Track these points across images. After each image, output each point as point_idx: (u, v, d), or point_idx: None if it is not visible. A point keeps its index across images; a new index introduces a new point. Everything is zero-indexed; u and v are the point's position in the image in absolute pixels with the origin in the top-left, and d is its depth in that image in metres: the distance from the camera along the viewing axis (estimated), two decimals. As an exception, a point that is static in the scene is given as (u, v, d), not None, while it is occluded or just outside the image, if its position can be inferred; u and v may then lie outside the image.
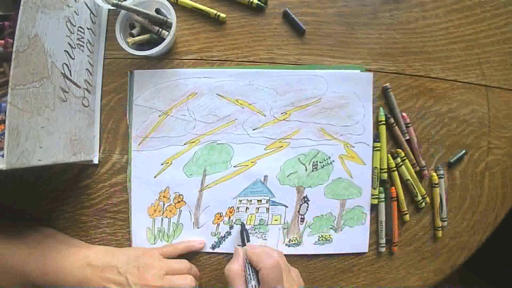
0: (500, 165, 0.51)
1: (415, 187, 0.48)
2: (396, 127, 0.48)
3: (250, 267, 0.40)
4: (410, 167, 0.48)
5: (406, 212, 0.48)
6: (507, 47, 0.51)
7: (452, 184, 0.50)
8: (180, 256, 0.46)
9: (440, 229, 0.49)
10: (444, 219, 0.49)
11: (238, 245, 0.44)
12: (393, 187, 0.48)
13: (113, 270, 0.40)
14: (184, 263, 0.44)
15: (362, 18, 0.48)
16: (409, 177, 0.48)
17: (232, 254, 0.47)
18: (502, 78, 0.51)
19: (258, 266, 0.39)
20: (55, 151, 0.38)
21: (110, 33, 0.48)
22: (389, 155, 0.48)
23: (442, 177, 0.49)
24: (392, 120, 0.47)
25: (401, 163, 0.48)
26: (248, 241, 0.45)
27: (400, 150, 0.48)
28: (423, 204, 0.48)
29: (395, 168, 0.48)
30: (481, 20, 0.50)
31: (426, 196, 0.49)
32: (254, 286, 0.38)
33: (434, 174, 0.49)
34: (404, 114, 0.48)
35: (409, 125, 0.48)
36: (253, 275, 0.39)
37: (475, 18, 0.50)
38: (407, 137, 0.48)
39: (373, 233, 0.48)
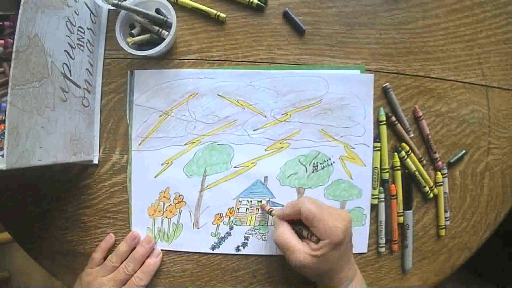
0: (500, 165, 0.51)
1: (423, 177, 0.48)
2: (399, 125, 0.47)
3: (295, 224, 0.40)
4: (416, 160, 0.48)
5: (402, 214, 0.48)
6: (507, 47, 0.51)
7: (452, 184, 0.50)
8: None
9: (443, 228, 0.49)
10: (447, 218, 0.49)
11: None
12: (393, 185, 0.48)
13: None
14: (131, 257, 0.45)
15: (362, 18, 0.48)
16: (415, 169, 0.48)
17: (231, 254, 0.47)
18: (502, 78, 0.51)
19: (295, 212, 0.39)
20: (55, 151, 0.37)
21: (110, 33, 0.48)
22: (395, 153, 0.48)
23: (446, 176, 0.49)
24: (393, 118, 0.47)
25: (406, 156, 0.48)
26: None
27: (404, 144, 0.48)
28: (431, 195, 0.48)
29: (399, 167, 0.48)
30: (481, 20, 0.50)
31: (433, 187, 0.49)
32: (308, 233, 0.39)
33: (439, 173, 0.49)
34: (416, 107, 0.48)
35: (421, 118, 0.48)
36: (301, 228, 0.40)
37: (475, 18, 0.50)
38: (411, 135, 0.48)
39: (373, 233, 0.48)
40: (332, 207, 0.40)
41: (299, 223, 0.40)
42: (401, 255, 0.49)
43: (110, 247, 0.47)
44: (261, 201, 0.47)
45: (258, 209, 0.47)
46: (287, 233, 0.39)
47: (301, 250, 0.37)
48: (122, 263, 0.45)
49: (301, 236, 0.40)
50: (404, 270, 0.49)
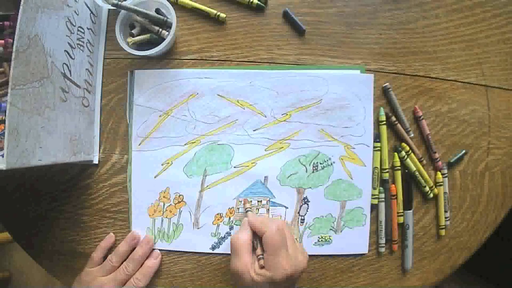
0: (500, 165, 0.51)
1: (423, 177, 0.48)
2: (399, 125, 0.47)
3: (255, 236, 0.40)
4: (416, 160, 0.48)
5: (402, 214, 0.48)
6: (507, 47, 0.51)
7: (452, 184, 0.50)
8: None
9: (443, 228, 0.49)
10: (447, 218, 0.49)
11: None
12: (393, 184, 0.48)
13: None
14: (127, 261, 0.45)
15: (362, 18, 0.48)
16: (415, 169, 0.48)
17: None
18: (502, 78, 0.51)
19: (262, 231, 0.39)
20: (55, 151, 0.37)
21: (110, 33, 0.48)
22: (395, 153, 0.48)
23: (446, 176, 0.49)
24: (394, 118, 0.47)
25: (406, 156, 0.48)
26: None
27: (404, 144, 0.48)
28: (431, 194, 0.48)
29: (399, 167, 0.48)
30: (481, 20, 0.50)
31: (433, 187, 0.49)
32: (259, 255, 0.39)
33: (439, 173, 0.49)
34: (416, 106, 0.48)
35: (421, 118, 0.48)
36: (258, 243, 0.40)
37: (475, 18, 0.50)
38: (411, 135, 0.48)
39: (373, 233, 0.48)
40: (296, 248, 0.40)
41: (259, 239, 0.40)
42: (401, 255, 0.49)
43: (110, 247, 0.47)
44: (261, 201, 0.47)
45: (258, 209, 0.47)
46: (244, 241, 0.39)
47: (245, 262, 0.38)
48: (121, 263, 0.45)
49: (254, 250, 0.40)
50: (404, 270, 0.49)
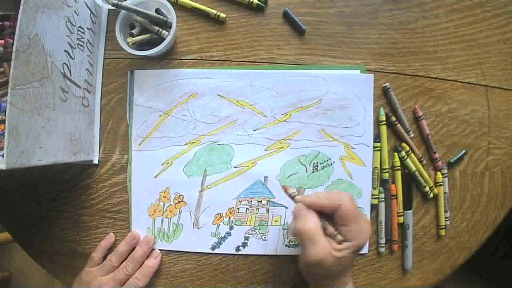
0: (500, 165, 0.51)
1: (423, 177, 0.48)
2: (399, 125, 0.47)
3: (321, 217, 0.37)
4: (416, 160, 0.48)
5: (402, 214, 0.48)
6: (507, 47, 0.51)
7: (452, 184, 0.50)
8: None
9: (443, 228, 0.49)
10: (447, 218, 0.49)
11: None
12: (393, 184, 0.48)
13: None
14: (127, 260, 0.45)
15: (362, 18, 0.48)
16: (415, 169, 0.48)
17: (231, 254, 0.47)
18: (502, 78, 0.51)
19: (334, 206, 0.36)
20: (55, 151, 0.37)
21: (110, 33, 0.48)
22: (395, 153, 0.48)
23: (446, 176, 0.49)
24: (393, 118, 0.47)
25: (406, 156, 0.48)
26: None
27: (404, 144, 0.48)
28: (431, 194, 0.48)
29: (399, 167, 0.48)
30: (481, 20, 0.50)
31: (433, 187, 0.49)
32: (333, 233, 0.36)
33: (439, 173, 0.49)
34: (416, 106, 0.48)
35: (422, 118, 0.48)
36: (325, 222, 0.37)
37: (475, 18, 0.50)
38: (411, 135, 0.48)
39: (373, 233, 0.48)
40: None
41: (324, 217, 0.37)
42: (401, 255, 0.49)
43: (110, 246, 0.47)
44: (261, 201, 0.47)
45: (258, 209, 0.47)
46: (315, 225, 0.36)
47: (324, 247, 0.35)
48: (121, 263, 0.45)
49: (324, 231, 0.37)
50: (404, 270, 0.49)
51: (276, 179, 0.47)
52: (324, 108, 0.47)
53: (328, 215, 0.37)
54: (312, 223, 0.36)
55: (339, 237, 0.36)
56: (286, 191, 0.41)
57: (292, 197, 0.40)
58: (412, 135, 0.48)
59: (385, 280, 0.49)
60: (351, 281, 0.40)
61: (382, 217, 0.48)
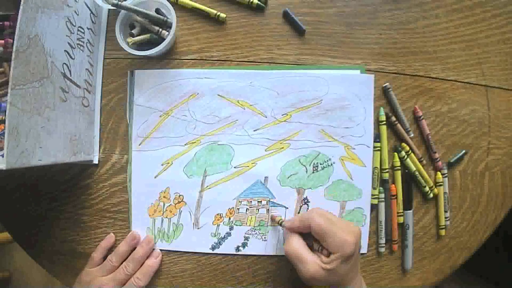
0: (500, 165, 0.51)
1: (423, 177, 0.48)
2: (399, 125, 0.47)
3: (305, 237, 0.40)
4: (416, 160, 0.48)
5: (402, 214, 0.48)
6: (507, 47, 0.51)
7: (452, 184, 0.50)
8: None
9: (443, 228, 0.49)
10: (447, 218, 0.49)
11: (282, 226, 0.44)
12: (393, 184, 0.48)
13: None
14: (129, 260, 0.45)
15: (362, 18, 0.48)
16: (415, 169, 0.48)
17: (231, 254, 0.47)
18: (502, 78, 0.51)
19: (306, 226, 0.39)
20: (55, 151, 0.37)
21: (110, 33, 0.48)
22: (395, 153, 0.48)
23: (446, 176, 0.49)
24: (393, 119, 0.47)
25: (406, 156, 0.48)
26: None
27: (404, 144, 0.48)
28: (431, 195, 0.48)
29: (399, 167, 0.48)
30: (481, 20, 0.50)
31: (433, 187, 0.49)
32: (319, 247, 0.39)
33: (439, 173, 0.49)
34: (416, 106, 0.48)
35: (422, 118, 0.48)
36: (311, 240, 0.40)
37: (475, 18, 0.50)
38: (411, 135, 0.48)
39: (373, 233, 0.48)
40: (341, 220, 0.40)
41: (309, 235, 0.40)
42: (401, 255, 0.49)
43: (110, 247, 0.47)
44: (261, 201, 0.47)
45: (258, 209, 0.47)
46: (298, 245, 0.39)
47: (312, 262, 0.37)
48: (121, 263, 0.45)
49: (311, 248, 0.40)
50: (404, 270, 0.49)
51: (276, 180, 0.47)
52: (324, 108, 0.47)
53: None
54: (295, 243, 0.39)
55: (324, 251, 0.38)
56: (273, 219, 0.46)
57: (280, 224, 0.44)
58: (412, 135, 0.48)
59: (385, 280, 0.49)
60: (363, 284, 0.41)
61: (382, 217, 0.48)
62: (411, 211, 0.48)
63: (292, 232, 0.41)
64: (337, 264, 0.36)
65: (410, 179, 0.48)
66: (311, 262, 0.37)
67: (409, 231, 0.48)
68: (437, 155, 0.48)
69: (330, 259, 0.37)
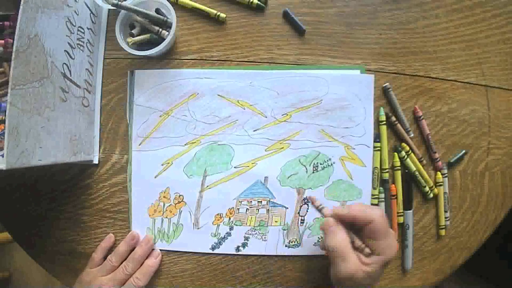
0: (500, 165, 0.51)
1: (423, 177, 0.48)
2: (399, 125, 0.47)
3: (348, 231, 0.38)
4: (416, 160, 0.48)
5: (402, 214, 0.48)
6: (507, 47, 0.51)
7: (452, 184, 0.50)
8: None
9: (443, 228, 0.49)
10: (447, 218, 0.49)
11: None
12: (393, 184, 0.48)
13: None
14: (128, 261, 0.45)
15: (362, 18, 0.48)
16: (415, 169, 0.48)
17: (231, 254, 0.47)
18: (502, 78, 0.51)
19: (367, 220, 0.36)
20: (55, 151, 0.37)
21: (110, 33, 0.48)
22: (395, 153, 0.48)
23: (446, 176, 0.49)
24: (394, 118, 0.47)
25: (406, 156, 0.48)
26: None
27: (404, 144, 0.48)
28: (431, 195, 0.48)
29: (399, 167, 0.48)
30: (481, 20, 0.50)
31: (433, 187, 0.49)
32: (361, 246, 0.37)
33: (439, 173, 0.49)
34: (416, 106, 0.48)
35: (422, 118, 0.48)
36: (353, 235, 0.38)
37: (475, 18, 0.50)
38: (411, 135, 0.48)
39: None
40: None
41: (350, 229, 0.38)
42: (401, 255, 0.49)
43: (110, 247, 0.47)
44: (261, 201, 0.47)
45: (258, 209, 0.47)
46: (345, 241, 0.37)
47: (354, 262, 0.36)
48: (121, 263, 0.45)
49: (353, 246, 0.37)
50: (404, 270, 0.49)
51: (276, 180, 0.47)
52: (324, 108, 0.47)
53: (355, 228, 0.38)
54: (341, 238, 0.37)
55: (367, 250, 0.37)
56: (313, 203, 0.42)
57: (319, 210, 0.41)
58: (412, 135, 0.48)
59: (385, 280, 0.49)
60: None
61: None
62: (411, 211, 0.48)
63: (340, 225, 0.38)
64: (377, 268, 0.36)
65: (410, 179, 0.48)
66: (353, 262, 0.35)
67: (409, 231, 0.48)
68: (437, 155, 0.48)
69: (371, 260, 0.36)
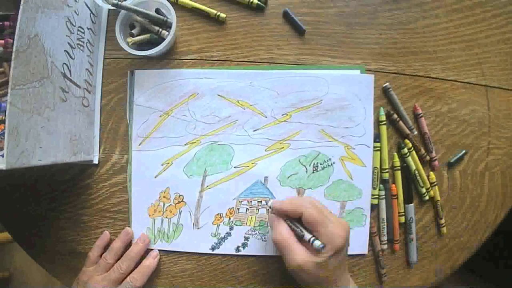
0: (500, 165, 0.51)
1: (421, 178, 0.48)
2: (401, 122, 0.47)
3: (294, 223, 0.39)
4: (417, 158, 0.48)
5: (403, 214, 0.48)
6: (507, 47, 0.51)
7: (452, 184, 0.50)
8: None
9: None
10: (442, 225, 0.49)
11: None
12: (394, 184, 0.48)
13: None
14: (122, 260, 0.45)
15: (362, 18, 0.48)
16: (415, 168, 0.48)
17: (231, 255, 0.47)
18: (502, 78, 0.51)
19: (297, 212, 0.38)
20: (55, 151, 0.37)
21: (110, 33, 0.48)
22: (395, 153, 0.48)
23: (436, 185, 0.49)
24: (395, 116, 0.47)
25: (408, 154, 0.48)
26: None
27: (407, 141, 0.48)
28: (427, 197, 0.48)
29: (399, 167, 0.48)
30: (481, 20, 0.50)
31: (430, 190, 0.49)
32: (309, 238, 0.37)
33: (432, 173, 0.49)
34: (416, 104, 0.48)
35: (421, 115, 0.48)
36: (299, 227, 0.38)
37: (475, 18, 0.50)
38: (414, 132, 0.48)
39: (373, 233, 0.48)
40: (331, 213, 0.40)
41: (298, 222, 0.39)
42: (405, 252, 0.49)
43: (106, 244, 0.46)
44: (261, 201, 0.47)
45: (258, 209, 0.47)
46: (287, 234, 0.38)
47: (301, 253, 0.36)
48: (116, 260, 0.45)
49: (299, 238, 0.38)
50: (410, 264, 0.48)
51: (276, 180, 0.47)
52: (324, 108, 0.47)
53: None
54: (283, 232, 0.38)
55: (317, 242, 0.37)
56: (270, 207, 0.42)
57: (269, 208, 0.43)
58: (416, 132, 0.48)
59: (385, 280, 0.49)
60: (352, 283, 0.40)
61: (383, 215, 0.48)
62: (412, 204, 0.48)
63: (280, 219, 0.39)
64: (327, 257, 0.36)
65: (409, 174, 0.48)
66: (300, 253, 0.36)
67: (413, 224, 0.48)
68: (434, 154, 0.48)
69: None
